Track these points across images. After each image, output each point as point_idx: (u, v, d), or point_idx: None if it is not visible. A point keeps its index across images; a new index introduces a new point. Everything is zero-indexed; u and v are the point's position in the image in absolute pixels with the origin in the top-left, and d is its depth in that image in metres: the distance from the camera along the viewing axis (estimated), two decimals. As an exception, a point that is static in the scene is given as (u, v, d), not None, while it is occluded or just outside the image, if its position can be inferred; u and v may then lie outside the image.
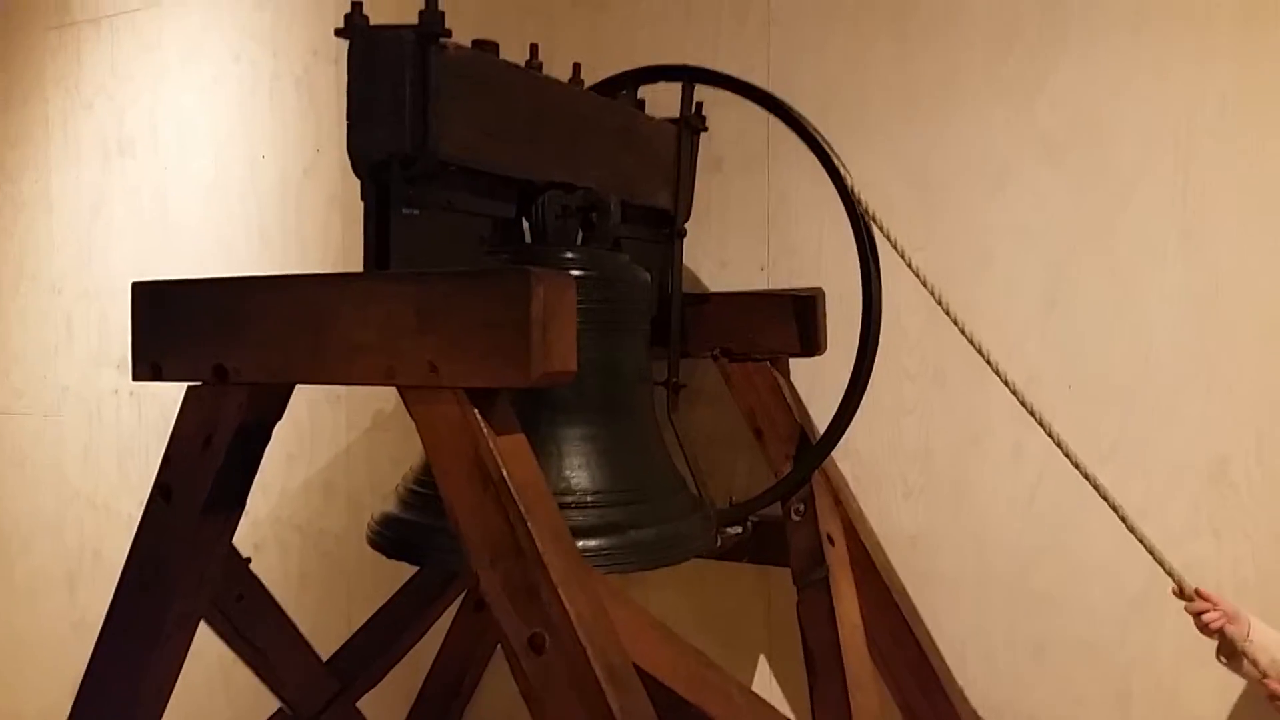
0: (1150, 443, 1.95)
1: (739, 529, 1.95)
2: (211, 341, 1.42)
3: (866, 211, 1.80)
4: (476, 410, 1.26)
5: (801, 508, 2.00)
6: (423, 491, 1.58)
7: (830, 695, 1.72)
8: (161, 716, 1.59)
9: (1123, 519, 1.69)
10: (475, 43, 1.55)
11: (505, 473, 1.24)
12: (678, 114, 2.00)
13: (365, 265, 1.42)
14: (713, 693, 1.40)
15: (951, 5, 2.08)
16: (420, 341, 1.27)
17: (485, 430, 1.25)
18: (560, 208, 1.68)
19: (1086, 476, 1.70)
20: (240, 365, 1.40)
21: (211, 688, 2.90)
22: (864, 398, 2.13)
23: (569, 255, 1.67)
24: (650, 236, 1.99)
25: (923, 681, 1.99)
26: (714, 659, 2.30)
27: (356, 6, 1.42)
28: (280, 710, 1.95)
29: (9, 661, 3.41)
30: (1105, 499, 1.70)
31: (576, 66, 1.88)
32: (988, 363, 1.74)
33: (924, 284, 1.79)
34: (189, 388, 1.46)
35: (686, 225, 2.09)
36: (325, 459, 2.79)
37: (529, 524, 1.23)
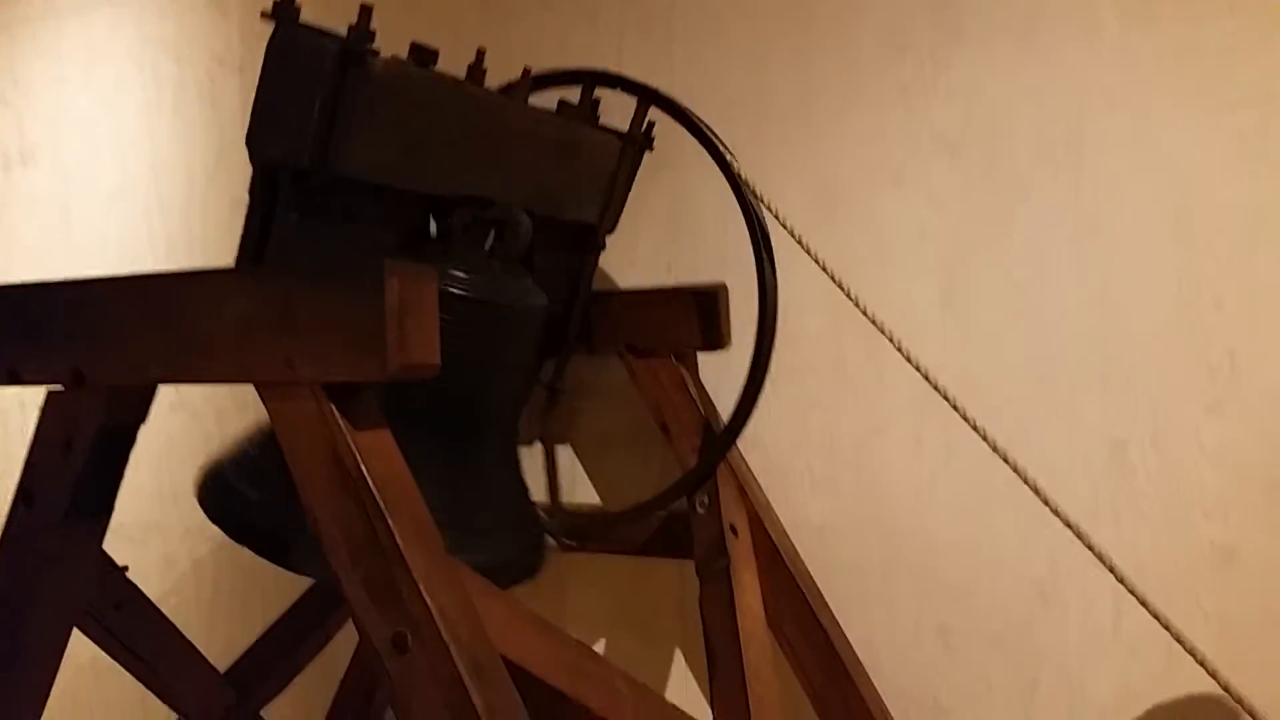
0: (1049, 431, 1.96)
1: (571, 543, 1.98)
2: (68, 344, 1.38)
3: (753, 193, 1.80)
4: (334, 406, 1.23)
5: (706, 500, 1.99)
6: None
7: (729, 686, 1.71)
8: (34, 732, 1.54)
9: (1045, 502, 1.69)
10: (413, 48, 1.49)
11: (364, 469, 1.21)
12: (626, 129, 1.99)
13: (238, 261, 1.38)
14: (594, 684, 1.38)
15: (847, 10, 2.09)
16: (277, 338, 1.24)
17: (343, 426, 1.23)
18: (467, 223, 1.65)
19: (1005, 458, 1.71)
20: (97, 367, 1.36)
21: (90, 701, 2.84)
22: (769, 392, 2.13)
23: (457, 274, 1.60)
24: (568, 246, 1.98)
25: (829, 670, 1.98)
26: (631, 654, 2.33)
27: (285, 8, 1.33)
28: (178, 722, 1.91)
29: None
30: (1025, 481, 1.70)
31: (526, 70, 1.84)
32: (896, 346, 1.75)
33: (822, 267, 1.80)
34: (48, 392, 1.42)
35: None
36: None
37: (389, 520, 1.20)
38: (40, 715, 1.53)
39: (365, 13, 1.32)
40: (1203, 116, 1.85)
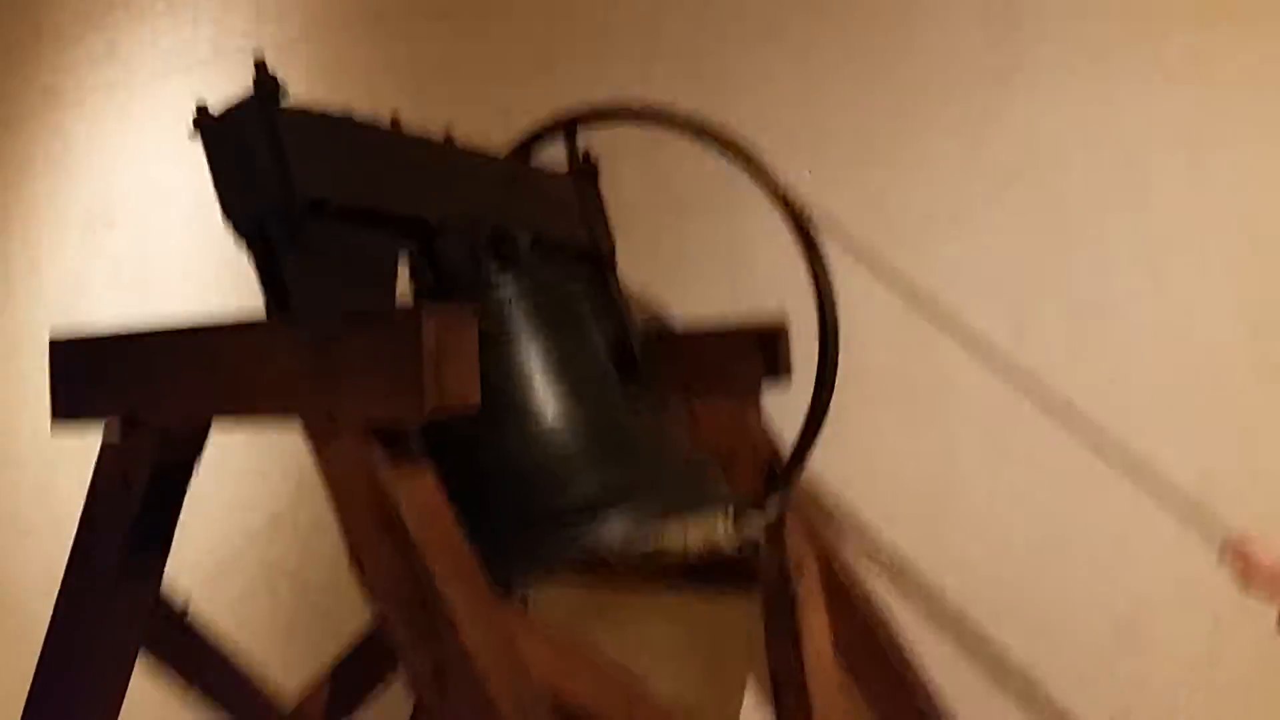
0: (1133, 462, 1.87)
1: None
2: (123, 390, 1.41)
3: (803, 213, 1.77)
4: (375, 450, 1.23)
5: (773, 537, 1.94)
6: None
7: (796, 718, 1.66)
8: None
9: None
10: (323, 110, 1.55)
11: (403, 510, 1.21)
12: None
13: (268, 311, 1.41)
14: (649, 717, 1.34)
15: (903, 43, 2.06)
16: (317, 384, 1.26)
17: (384, 469, 1.23)
18: (467, 247, 1.66)
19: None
20: (150, 410, 1.39)
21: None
22: (838, 426, 2.08)
23: (491, 277, 1.64)
24: (586, 276, 1.97)
25: (903, 708, 1.91)
26: (699, 688, 2.28)
27: (202, 110, 1.45)
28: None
29: None
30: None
31: (447, 129, 1.87)
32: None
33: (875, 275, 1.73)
34: (105, 431, 1.46)
35: (644, 267, 2.07)
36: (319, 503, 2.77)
37: (428, 562, 1.19)
38: None
39: (261, 65, 1.39)
40: (1270, 153, 1.78)
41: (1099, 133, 1.90)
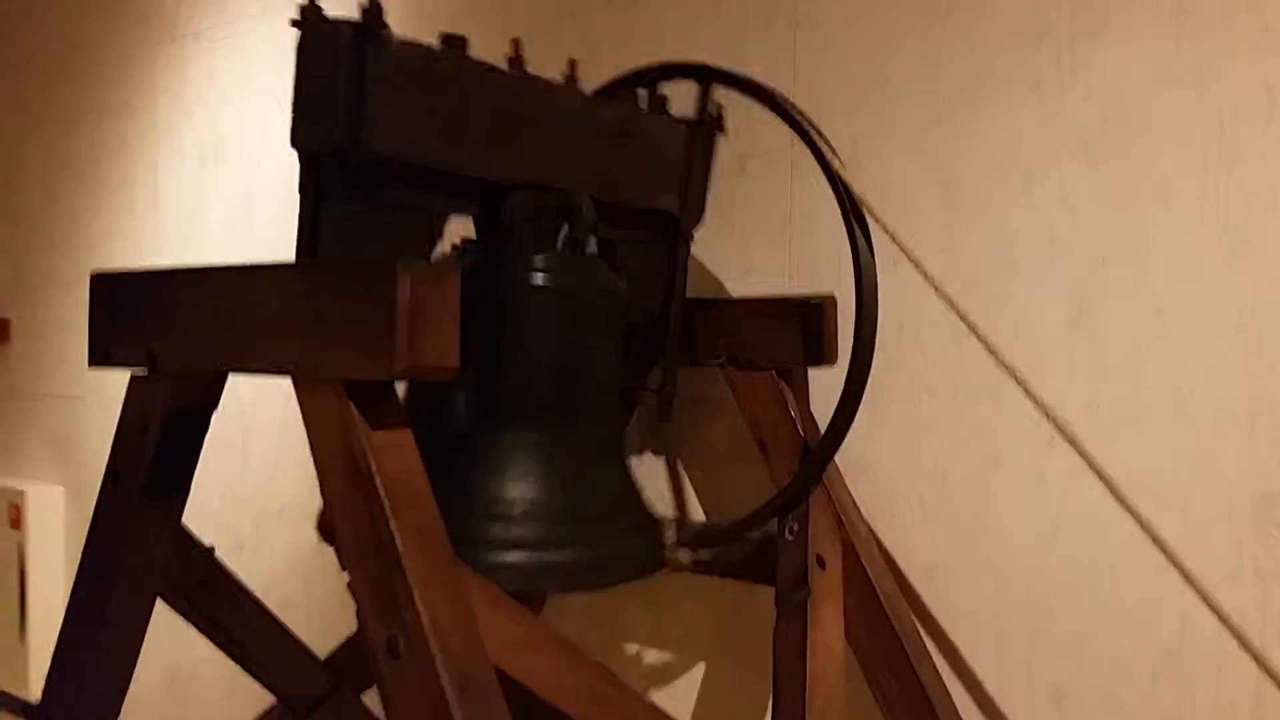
0: (1185, 475, 1.74)
1: (704, 552, 1.88)
2: (145, 330, 1.46)
3: (854, 198, 1.70)
4: (354, 404, 1.24)
5: (795, 527, 1.89)
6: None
7: (788, 727, 1.61)
8: (125, 691, 1.64)
9: (1169, 556, 1.51)
10: (444, 37, 1.53)
11: (374, 467, 1.22)
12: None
13: (296, 255, 1.42)
14: (611, 712, 1.32)
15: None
16: (306, 333, 1.27)
17: (359, 424, 1.23)
18: (533, 210, 1.65)
19: (1126, 505, 1.53)
20: (167, 353, 1.43)
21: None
22: (881, 414, 2.02)
23: (537, 258, 1.64)
24: (652, 240, 1.93)
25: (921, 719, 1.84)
26: (730, 680, 2.25)
27: (310, 7, 1.41)
28: (274, 705, 1.99)
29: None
30: (1150, 533, 1.52)
31: (572, 64, 1.84)
32: (1012, 375, 1.59)
33: (934, 286, 1.66)
34: (131, 375, 1.51)
35: (703, 230, 2.02)
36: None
37: (392, 522, 1.20)
38: (129, 678, 1.64)
39: None
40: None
41: (1187, 95, 1.74)
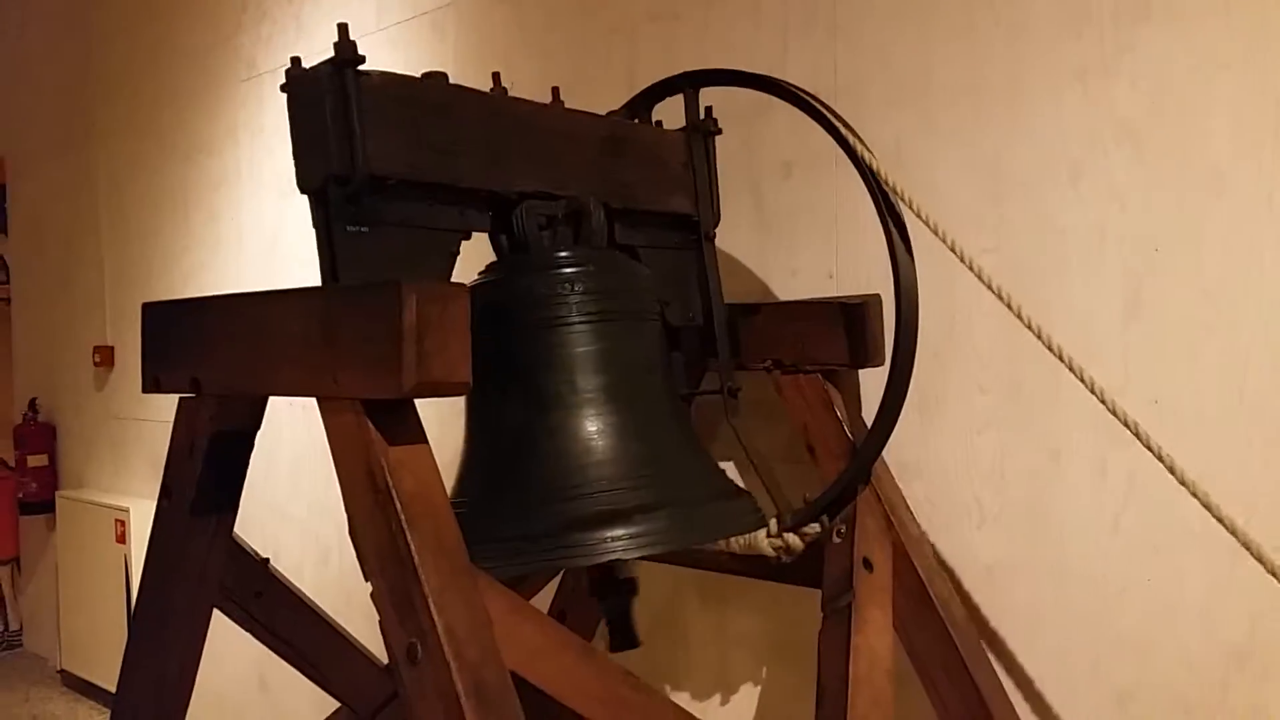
0: (1248, 471, 1.67)
1: (815, 528, 1.85)
2: (189, 357, 1.54)
3: (886, 184, 1.67)
4: (371, 420, 1.28)
5: (843, 529, 1.87)
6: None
7: (831, 732, 1.59)
8: (188, 694, 1.72)
9: (1241, 539, 1.43)
10: (425, 75, 1.60)
11: (390, 481, 1.25)
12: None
13: (322, 284, 1.48)
14: (631, 714, 1.33)
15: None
16: (326, 354, 1.32)
17: (377, 440, 1.27)
18: (544, 218, 1.68)
19: (1192, 491, 1.46)
20: (208, 378, 1.51)
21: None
22: (934, 414, 1.99)
23: (560, 255, 1.67)
24: (676, 244, 1.94)
25: (979, 725, 1.79)
26: (787, 685, 2.23)
27: (295, 61, 1.50)
28: (339, 709, 2.06)
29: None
30: (1215, 514, 1.45)
31: (555, 90, 1.87)
32: (1068, 366, 1.54)
33: (979, 277, 1.61)
34: (179, 399, 1.59)
35: (749, 234, 2.02)
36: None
37: (409, 534, 1.24)
38: (192, 680, 1.72)
39: (344, 29, 1.40)
40: None
41: (1238, 78, 1.66)
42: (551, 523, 1.50)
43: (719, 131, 1.98)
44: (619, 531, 1.51)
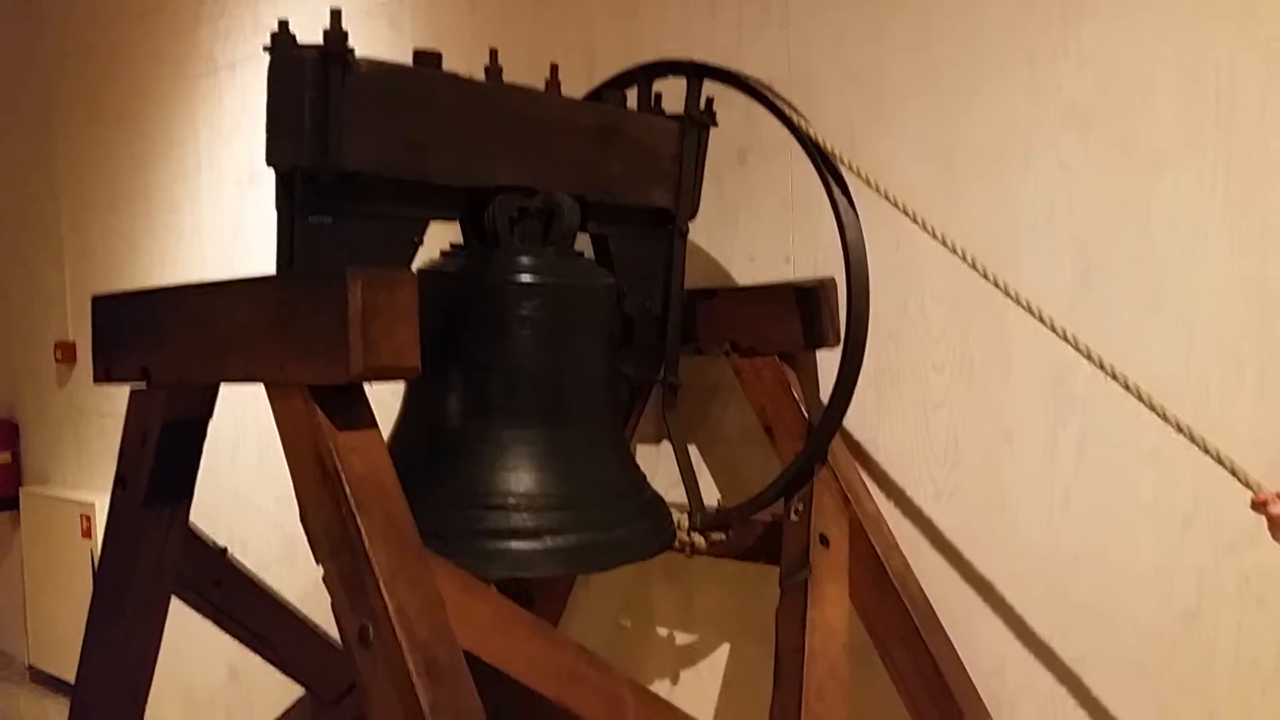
0: (1206, 433, 1.69)
1: (720, 535, 1.88)
2: (139, 347, 1.53)
3: (829, 153, 1.69)
4: (320, 405, 1.28)
5: (800, 508, 1.89)
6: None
7: (788, 704, 1.61)
8: (148, 684, 1.73)
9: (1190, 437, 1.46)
10: (417, 55, 1.57)
11: (340, 465, 1.26)
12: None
13: (276, 271, 1.48)
14: (589, 692, 1.35)
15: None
16: (273, 342, 1.32)
17: (326, 425, 1.28)
18: (515, 211, 1.68)
19: (1148, 404, 1.48)
20: (158, 367, 1.50)
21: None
22: (889, 392, 2.01)
23: (521, 260, 1.67)
24: (647, 234, 1.95)
25: (938, 699, 1.82)
26: (753, 660, 2.25)
27: (283, 25, 1.47)
28: (304, 695, 2.06)
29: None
30: (1172, 424, 1.48)
31: (554, 68, 1.86)
32: (1020, 304, 1.57)
33: (944, 243, 1.63)
34: (131, 389, 1.58)
35: (707, 220, 2.03)
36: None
37: (359, 518, 1.24)
38: (152, 667, 1.72)
39: (336, 16, 1.38)
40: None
41: (1182, 61, 1.69)
42: (466, 526, 1.53)
43: (714, 124, 1.98)
44: (525, 547, 1.56)
